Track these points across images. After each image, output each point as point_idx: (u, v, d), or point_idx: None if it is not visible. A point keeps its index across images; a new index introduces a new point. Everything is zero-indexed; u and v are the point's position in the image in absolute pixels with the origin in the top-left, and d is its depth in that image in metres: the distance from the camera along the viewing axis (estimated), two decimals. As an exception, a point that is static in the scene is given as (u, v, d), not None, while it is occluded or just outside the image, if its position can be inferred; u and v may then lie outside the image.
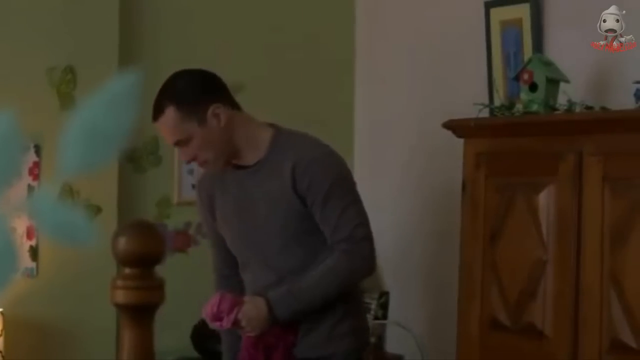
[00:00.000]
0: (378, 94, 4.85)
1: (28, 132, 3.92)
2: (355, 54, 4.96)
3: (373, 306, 4.50)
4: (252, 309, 2.98)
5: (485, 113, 3.81)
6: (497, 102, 3.89)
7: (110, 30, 4.32)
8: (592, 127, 3.25)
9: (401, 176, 4.68)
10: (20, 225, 4.05)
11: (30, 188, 4.10)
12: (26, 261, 4.14)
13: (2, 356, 3.94)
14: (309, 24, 4.87)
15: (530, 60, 3.66)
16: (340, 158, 3.12)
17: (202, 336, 4.18)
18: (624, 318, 3.08)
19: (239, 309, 2.97)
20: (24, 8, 4.20)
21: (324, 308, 3.05)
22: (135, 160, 4.44)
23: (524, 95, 3.60)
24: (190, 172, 4.39)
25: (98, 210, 4.22)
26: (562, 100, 3.54)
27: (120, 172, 4.31)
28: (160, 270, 1.80)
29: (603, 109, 3.47)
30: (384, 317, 4.58)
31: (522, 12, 4.00)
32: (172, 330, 3.93)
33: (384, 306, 4.58)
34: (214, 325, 3.01)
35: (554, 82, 3.57)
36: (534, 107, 3.54)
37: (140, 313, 1.77)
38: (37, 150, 4.16)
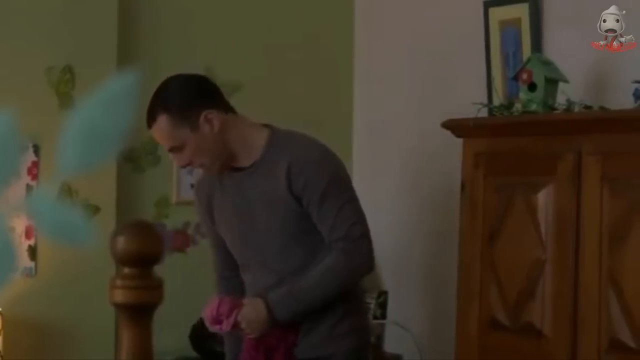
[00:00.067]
0: (377, 94, 4.85)
1: (27, 132, 3.92)
2: (354, 54, 4.96)
3: (372, 306, 4.50)
4: (252, 311, 2.98)
5: (484, 113, 3.81)
6: (496, 101, 3.89)
7: (109, 30, 4.32)
8: (591, 127, 3.25)
9: (400, 176, 4.68)
10: (19, 224, 4.05)
11: (28, 188, 4.10)
12: (25, 261, 4.14)
13: (1, 356, 3.94)
14: (308, 24, 4.86)
15: (529, 60, 3.66)
16: (336, 157, 3.12)
17: (201, 336, 4.18)
18: (622, 318, 3.08)
19: (238, 311, 2.97)
20: (23, 8, 4.20)
21: (324, 308, 3.05)
22: (134, 160, 4.44)
23: (523, 94, 3.60)
24: (189, 171, 4.39)
25: (96, 209, 4.22)
26: (561, 100, 3.54)
27: (118, 171, 4.31)
28: (158, 270, 1.80)
29: (602, 108, 3.47)
30: (383, 316, 4.58)
31: (521, 11, 4.00)
32: (170, 330, 3.93)
33: (382, 306, 4.58)
34: (213, 329, 3.01)
35: (552, 82, 3.57)
36: (533, 107, 3.54)
37: (139, 313, 1.77)
38: (36, 150, 4.16)
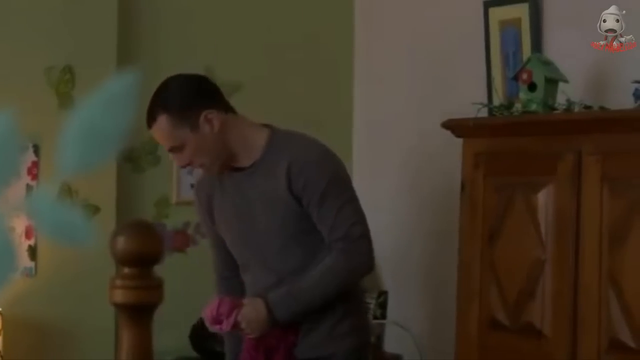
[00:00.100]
0: (377, 94, 4.85)
1: (26, 132, 3.92)
2: (354, 54, 4.96)
3: (372, 306, 4.50)
4: (252, 311, 2.98)
5: (484, 113, 3.81)
6: (496, 101, 3.89)
7: (108, 30, 4.32)
8: (591, 127, 3.25)
9: (400, 176, 4.68)
10: (19, 224, 4.05)
11: (28, 188, 4.10)
12: (25, 261, 4.14)
13: (1, 356, 3.94)
14: (308, 24, 4.86)
15: (529, 60, 3.66)
16: (335, 157, 3.12)
17: (201, 336, 4.18)
18: (622, 318, 3.08)
19: (238, 311, 2.97)
20: (23, 8, 4.20)
21: (324, 308, 3.05)
22: (134, 160, 4.44)
23: (523, 94, 3.60)
24: (189, 171, 4.38)
25: (96, 209, 4.22)
26: (561, 100, 3.54)
27: (118, 171, 4.31)
28: (158, 270, 1.80)
29: (602, 108, 3.47)
30: (383, 316, 4.58)
31: (521, 11, 4.00)
32: (170, 330, 3.92)
33: (382, 306, 4.58)
34: (214, 329, 3.01)
35: (552, 82, 3.57)
36: (533, 107, 3.54)
37: (139, 313, 1.77)
38: (36, 149, 4.16)
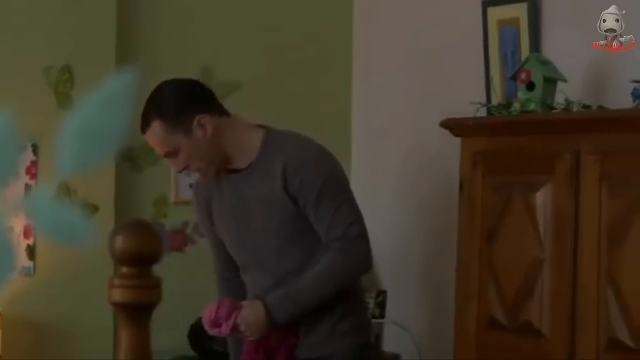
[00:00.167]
0: (375, 94, 4.85)
1: (25, 132, 3.92)
2: (352, 54, 4.96)
3: (371, 305, 4.50)
4: (251, 314, 2.98)
5: (482, 112, 3.81)
6: (495, 101, 3.89)
7: (107, 30, 4.32)
8: (590, 127, 3.25)
9: (399, 175, 4.67)
10: (18, 224, 4.05)
11: (27, 187, 4.10)
12: (23, 260, 4.14)
13: (0, 356, 3.94)
14: (307, 24, 4.86)
15: (527, 60, 3.66)
16: (331, 157, 3.11)
17: (200, 336, 4.17)
18: (621, 317, 3.08)
19: (238, 314, 2.97)
20: (23, 8, 4.20)
21: (324, 308, 3.05)
22: (133, 160, 4.43)
23: (522, 94, 3.60)
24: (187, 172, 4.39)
25: (95, 209, 4.22)
26: (559, 100, 3.54)
27: (117, 171, 4.31)
28: (157, 269, 1.80)
29: (600, 108, 3.47)
30: (382, 316, 4.58)
31: (519, 11, 4.00)
32: (169, 330, 3.93)
33: (381, 305, 4.58)
34: (213, 332, 3.01)
35: (551, 82, 3.57)
36: (532, 107, 3.54)
37: (138, 312, 1.77)
38: (35, 149, 4.15)
